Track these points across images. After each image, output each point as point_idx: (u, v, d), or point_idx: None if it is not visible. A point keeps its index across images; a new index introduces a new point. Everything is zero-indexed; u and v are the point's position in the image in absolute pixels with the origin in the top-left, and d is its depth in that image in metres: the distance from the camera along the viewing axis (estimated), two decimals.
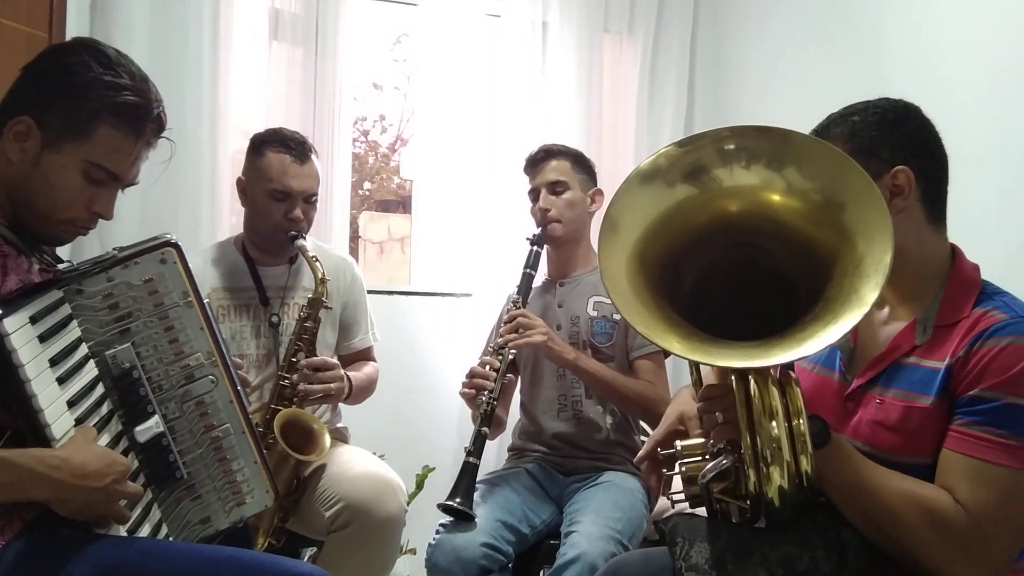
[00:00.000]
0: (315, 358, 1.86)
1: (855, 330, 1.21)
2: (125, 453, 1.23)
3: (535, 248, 2.05)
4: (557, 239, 2.07)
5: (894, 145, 1.17)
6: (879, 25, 2.23)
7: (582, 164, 2.12)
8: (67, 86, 1.20)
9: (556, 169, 2.07)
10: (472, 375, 1.92)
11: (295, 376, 1.84)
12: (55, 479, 1.06)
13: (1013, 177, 1.81)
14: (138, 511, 1.23)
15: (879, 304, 1.22)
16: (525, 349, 1.98)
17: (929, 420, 1.10)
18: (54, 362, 1.13)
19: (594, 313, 2.04)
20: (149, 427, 1.26)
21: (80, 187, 1.22)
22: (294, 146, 1.91)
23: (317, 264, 1.89)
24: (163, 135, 1.31)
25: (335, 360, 2.04)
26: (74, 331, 1.20)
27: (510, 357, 1.93)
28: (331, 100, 2.61)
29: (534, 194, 2.10)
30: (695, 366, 1.27)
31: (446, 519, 1.77)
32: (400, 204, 5.83)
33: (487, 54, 2.81)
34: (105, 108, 1.21)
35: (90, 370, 1.21)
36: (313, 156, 1.95)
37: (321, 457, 1.79)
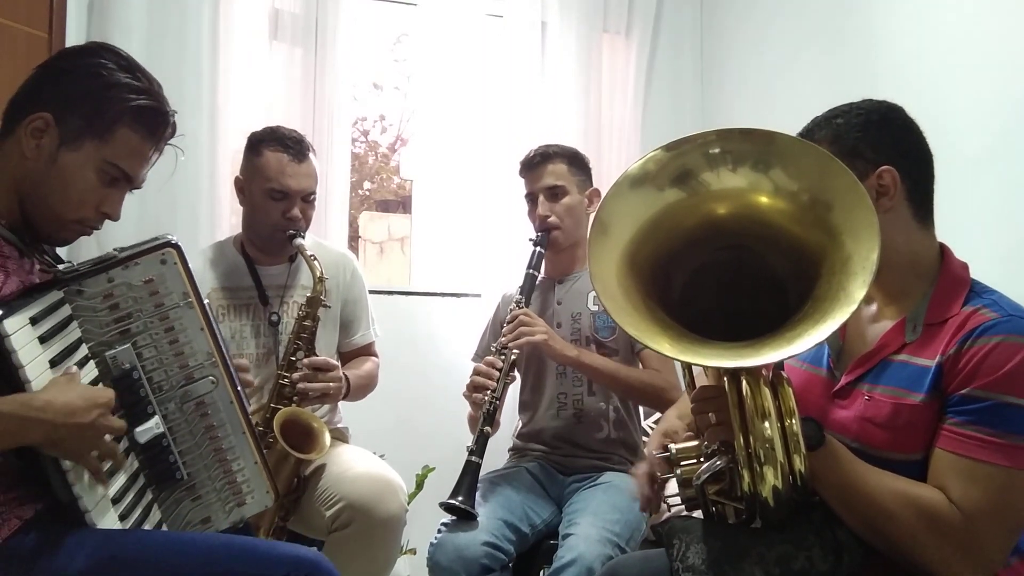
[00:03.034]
0: (316, 358, 1.87)
1: (844, 327, 1.22)
2: (126, 454, 1.24)
3: (538, 249, 2.04)
4: (559, 245, 2.08)
5: (878, 146, 1.17)
6: (879, 26, 2.23)
7: (578, 164, 2.11)
8: (90, 87, 1.22)
9: (553, 173, 2.06)
10: (476, 373, 1.92)
11: (295, 375, 1.84)
12: (43, 420, 1.06)
13: (1013, 177, 1.81)
14: (138, 511, 1.24)
15: (867, 302, 1.23)
16: (526, 348, 1.98)
17: (919, 417, 1.10)
18: (54, 363, 1.14)
19: (595, 308, 2.04)
20: (149, 428, 1.27)
21: (94, 186, 1.24)
22: (291, 145, 1.91)
23: (315, 263, 1.89)
24: (170, 142, 1.33)
25: (335, 360, 2.04)
26: (74, 332, 1.21)
27: (513, 357, 1.93)
28: (331, 100, 2.61)
29: (531, 198, 2.09)
30: (688, 369, 1.28)
31: (447, 518, 1.77)
32: (400, 204, 5.85)
33: (487, 54, 2.82)
34: (127, 111, 1.23)
35: (90, 371, 1.22)
36: (311, 155, 1.95)
37: (321, 456, 1.80)
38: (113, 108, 1.22)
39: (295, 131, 1.97)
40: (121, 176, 1.26)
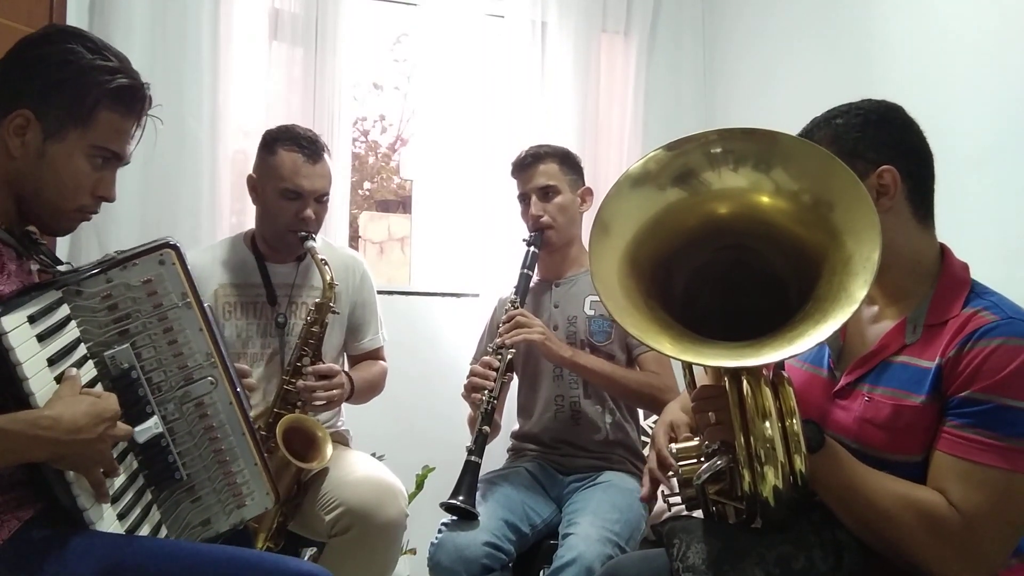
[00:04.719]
0: (321, 365, 1.86)
1: (844, 328, 1.22)
2: (125, 453, 1.24)
3: (532, 249, 2.05)
4: (553, 245, 2.08)
5: (878, 145, 1.17)
6: (878, 25, 2.23)
7: (570, 164, 2.11)
8: (63, 76, 1.21)
9: (545, 173, 2.06)
10: (472, 374, 1.92)
11: (300, 382, 1.83)
12: (49, 438, 1.06)
13: (1013, 177, 1.81)
14: (137, 511, 1.24)
15: (868, 302, 1.23)
16: (522, 347, 1.98)
17: (919, 418, 1.10)
18: (52, 361, 1.14)
19: (591, 312, 2.05)
20: (148, 427, 1.26)
21: (86, 172, 1.24)
22: (306, 145, 1.90)
23: (326, 267, 1.88)
24: (150, 114, 1.32)
25: (341, 361, 2.04)
26: (73, 331, 1.21)
27: (509, 356, 1.93)
28: (331, 100, 2.61)
29: (524, 199, 2.10)
30: (688, 369, 1.27)
31: (447, 518, 1.77)
32: (400, 204, 5.85)
33: (487, 54, 2.82)
34: (105, 94, 1.22)
35: (89, 370, 1.22)
36: (325, 155, 1.94)
37: (322, 465, 1.78)
38: (91, 93, 1.21)
39: (310, 130, 1.96)
40: (111, 156, 1.26)
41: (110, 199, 1.29)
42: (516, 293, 2.01)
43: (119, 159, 1.28)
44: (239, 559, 1.20)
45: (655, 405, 1.96)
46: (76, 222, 1.29)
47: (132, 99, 1.26)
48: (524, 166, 2.09)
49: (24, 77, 1.22)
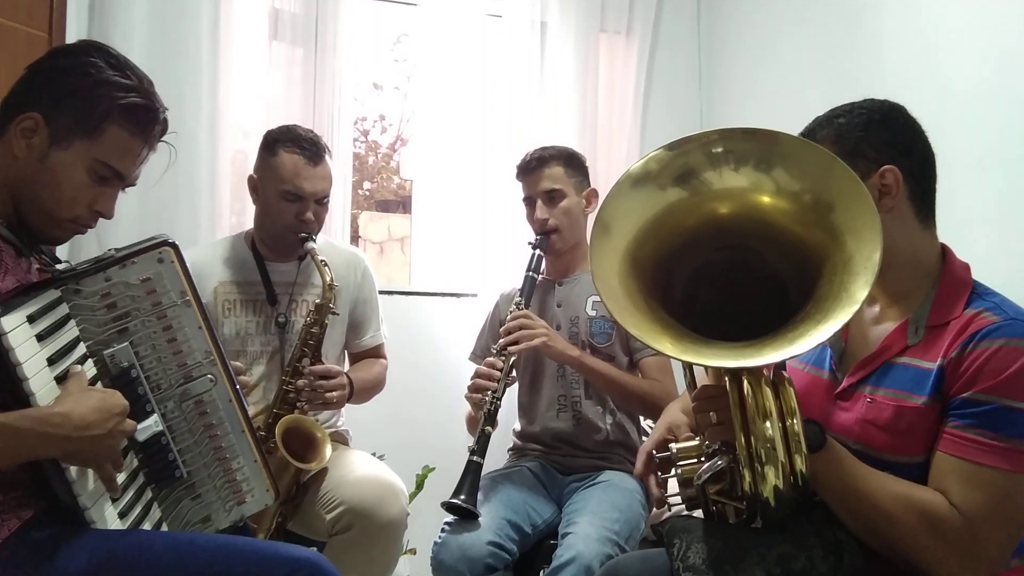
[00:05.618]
0: (319, 366, 1.86)
1: (846, 329, 1.22)
2: (125, 452, 1.24)
3: (537, 252, 2.05)
4: (558, 250, 2.08)
5: (880, 145, 1.17)
6: (878, 25, 2.23)
7: (575, 166, 2.11)
8: (79, 86, 1.21)
9: (550, 177, 2.06)
10: (476, 375, 1.92)
11: (299, 382, 1.83)
12: (60, 435, 1.06)
13: (1013, 177, 1.81)
14: (137, 509, 1.24)
15: (869, 303, 1.23)
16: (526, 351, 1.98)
17: (921, 420, 1.10)
18: (52, 361, 1.14)
19: (593, 313, 2.04)
20: (148, 426, 1.27)
21: (85, 185, 1.23)
22: (307, 146, 1.89)
23: (326, 268, 1.87)
24: (163, 139, 1.32)
25: (341, 360, 2.03)
26: (72, 330, 1.21)
27: (513, 358, 1.92)
28: (331, 100, 2.61)
29: (529, 201, 2.10)
30: (689, 369, 1.27)
31: (449, 517, 1.77)
32: (400, 204, 5.84)
33: (486, 54, 2.82)
34: (116, 109, 1.22)
35: (88, 369, 1.22)
36: (327, 156, 1.94)
37: (321, 465, 1.78)
38: (101, 106, 1.21)
39: (311, 131, 1.96)
40: (113, 175, 1.26)
41: (107, 216, 1.28)
42: (521, 295, 2.01)
43: (121, 178, 1.27)
44: (233, 545, 1.20)
45: (655, 412, 1.95)
46: (70, 232, 1.29)
47: (143, 119, 1.26)
48: (529, 169, 2.09)
49: (42, 82, 1.23)
